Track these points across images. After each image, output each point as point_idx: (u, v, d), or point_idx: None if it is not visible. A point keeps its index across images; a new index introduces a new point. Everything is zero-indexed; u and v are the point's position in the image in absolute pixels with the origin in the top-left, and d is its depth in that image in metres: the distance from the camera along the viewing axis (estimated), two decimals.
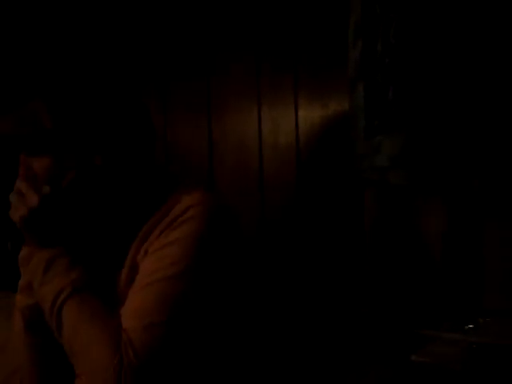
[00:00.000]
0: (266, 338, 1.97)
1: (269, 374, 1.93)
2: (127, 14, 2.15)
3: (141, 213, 1.20)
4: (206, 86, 2.10)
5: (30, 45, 2.12)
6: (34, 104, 1.17)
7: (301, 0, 2.01)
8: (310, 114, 2.03)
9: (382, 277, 1.84)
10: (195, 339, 1.12)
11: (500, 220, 1.74)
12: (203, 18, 2.09)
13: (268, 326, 1.98)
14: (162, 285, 1.10)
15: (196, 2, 2.10)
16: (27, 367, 1.28)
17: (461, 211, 1.77)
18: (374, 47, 1.77)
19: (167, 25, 2.12)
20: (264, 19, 2.04)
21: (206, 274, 1.13)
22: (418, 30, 1.70)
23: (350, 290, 1.95)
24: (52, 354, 1.24)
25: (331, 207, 1.99)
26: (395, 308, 1.81)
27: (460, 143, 1.68)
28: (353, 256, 1.95)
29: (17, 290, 1.57)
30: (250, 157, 2.07)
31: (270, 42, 2.04)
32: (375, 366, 1.72)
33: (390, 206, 1.83)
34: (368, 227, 1.87)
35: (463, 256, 1.78)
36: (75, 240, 1.21)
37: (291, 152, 2.04)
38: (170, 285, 1.10)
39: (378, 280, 1.84)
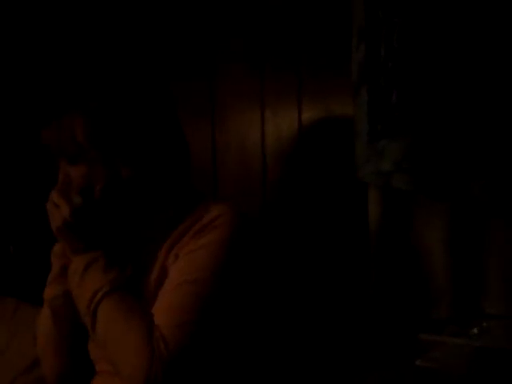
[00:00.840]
0: (270, 341, 1.96)
1: (272, 377, 1.92)
2: (128, 15, 2.15)
3: (170, 220, 1.28)
4: (208, 88, 2.10)
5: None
6: (68, 116, 1.24)
7: (304, 3, 2.01)
8: (313, 118, 2.02)
9: (385, 281, 1.84)
10: (218, 338, 1.20)
11: (503, 224, 1.73)
12: (206, 19, 2.09)
13: (271, 329, 1.98)
14: (192, 286, 1.17)
15: (199, 5, 2.10)
16: (51, 359, 1.36)
17: (464, 216, 1.76)
18: (378, 51, 1.77)
19: (169, 28, 2.12)
20: (267, 22, 2.04)
21: (232, 277, 1.22)
22: (422, 34, 1.70)
23: (353, 294, 1.94)
24: (78, 346, 1.34)
25: (335, 211, 1.99)
26: (399, 312, 1.80)
27: (464, 147, 1.68)
28: (356, 260, 1.94)
29: (19, 295, 1.62)
30: (253, 159, 2.07)
31: (273, 45, 2.04)
32: (379, 370, 1.72)
33: (394, 211, 1.83)
34: (371, 231, 1.87)
35: (466, 260, 1.77)
36: (109, 243, 1.29)
37: (294, 155, 2.03)
38: (199, 287, 1.17)
39: (382, 284, 1.84)
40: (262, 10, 2.04)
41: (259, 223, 1.34)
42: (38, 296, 1.42)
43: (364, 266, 1.89)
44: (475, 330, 1.63)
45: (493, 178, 1.66)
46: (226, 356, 1.26)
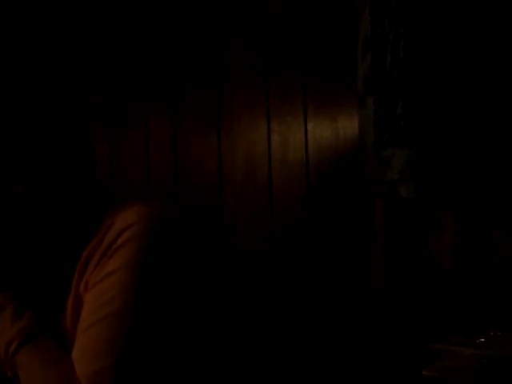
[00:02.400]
0: (274, 353, 1.96)
1: None
2: (135, 21, 2.16)
3: (77, 239, 1.12)
4: (215, 99, 2.10)
5: None
6: None
7: (310, 13, 2.02)
8: (319, 128, 2.03)
9: (391, 290, 1.83)
10: (152, 367, 1.05)
11: (510, 233, 1.73)
12: (213, 32, 2.10)
13: (276, 340, 1.97)
14: (104, 324, 1.03)
15: (207, 16, 2.11)
16: None
17: (471, 224, 1.76)
18: (383, 61, 1.77)
19: (177, 38, 2.14)
20: (273, 33, 2.05)
21: (153, 300, 1.05)
22: (428, 44, 1.70)
23: (359, 302, 1.94)
24: None
25: (341, 221, 1.99)
26: (406, 322, 1.79)
27: (469, 157, 1.68)
28: (362, 269, 1.94)
29: None
30: (259, 169, 2.07)
31: (279, 56, 2.05)
32: (386, 380, 1.71)
33: (400, 220, 1.83)
34: (377, 240, 1.86)
35: (474, 269, 1.77)
36: (16, 283, 1.13)
37: (300, 166, 2.04)
38: (112, 323, 1.03)
39: (388, 293, 1.83)
40: (268, 21, 2.05)
41: (184, 222, 1.09)
42: None
43: (370, 275, 1.89)
44: (482, 340, 1.62)
45: (499, 187, 1.65)
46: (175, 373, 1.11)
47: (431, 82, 1.70)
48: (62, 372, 1.04)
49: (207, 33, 2.11)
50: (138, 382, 1.03)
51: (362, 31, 1.82)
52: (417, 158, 1.72)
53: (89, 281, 1.08)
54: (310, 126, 2.04)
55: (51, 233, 1.13)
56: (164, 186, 2.15)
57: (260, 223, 2.06)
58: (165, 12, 2.15)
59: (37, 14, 2.22)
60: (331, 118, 2.02)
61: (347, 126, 1.99)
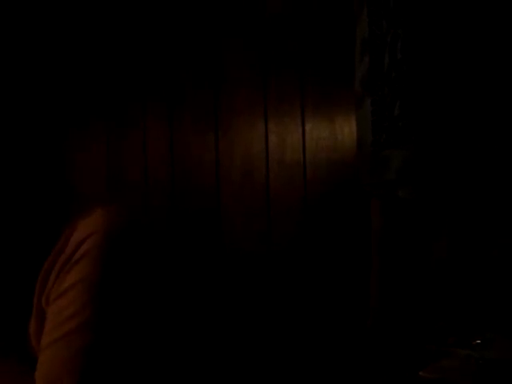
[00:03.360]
0: (272, 353, 1.96)
1: None
2: (134, 21, 2.16)
3: (35, 253, 1.06)
4: (212, 100, 2.10)
5: None
6: None
7: (308, 14, 2.02)
8: (317, 128, 2.03)
9: (388, 291, 1.83)
10: (118, 380, 0.99)
11: (508, 235, 1.73)
12: (211, 30, 2.10)
13: (273, 340, 1.97)
14: (65, 342, 0.97)
15: (205, 16, 2.11)
16: None
17: (468, 226, 1.76)
18: (381, 62, 1.77)
19: (174, 39, 2.13)
20: (272, 34, 2.05)
21: (113, 314, 1.00)
22: (425, 45, 1.70)
23: (356, 304, 1.94)
24: None
25: (338, 221, 1.99)
26: (403, 323, 1.80)
27: (467, 157, 1.68)
28: (359, 270, 1.94)
29: None
30: (257, 170, 2.07)
31: (277, 56, 2.05)
32: (383, 381, 1.71)
33: (397, 220, 1.83)
34: (375, 241, 1.87)
35: (470, 270, 1.77)
36: None
37: (297, 166, 2.04)
38: (73, 340, 0.97)
39: (385, 294, 1.84)
40: (267, 21, 2.05)
41: (144, 228, 1.01)
42: None
43: (367, 276, 1.89)
44: (478, 341, 1.62)
45: (497, 188, 1.66)
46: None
47: (429, 83, 1.70)
48: None
49: (205, 33, 2.11)
50: None
51: (360, 32, 1.83)
52: (414, 158, 1.72)
53: (49, 295, 1.02)
54: (307, 127, 2.04)
55: (8, 244, 1.06)
56: (162, 186, 2.15)
57: (257, 223, 2.06)
58: (163, 12, 2.15)
59: (36, 14, 2.22)
60: (329, 119, 2.02)
61: (345, 126, 1.99)
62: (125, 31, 2.17)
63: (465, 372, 1.55)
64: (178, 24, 2.13)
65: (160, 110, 2.19)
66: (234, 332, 2.03)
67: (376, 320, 1.84)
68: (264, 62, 2.06)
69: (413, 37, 1.71)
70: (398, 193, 1.75)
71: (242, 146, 2.09)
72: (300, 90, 2.04)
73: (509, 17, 1.65)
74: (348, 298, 1.96)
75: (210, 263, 2.07)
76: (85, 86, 2.23)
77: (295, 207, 2.03)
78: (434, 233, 1.81)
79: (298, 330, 2.00)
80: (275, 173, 2.06)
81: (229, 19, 2.09)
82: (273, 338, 1.99)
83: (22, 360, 1.03)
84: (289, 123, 2.05)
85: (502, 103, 1.66)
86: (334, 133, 2.02)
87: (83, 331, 0.97)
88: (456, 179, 1.70)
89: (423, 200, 1.74)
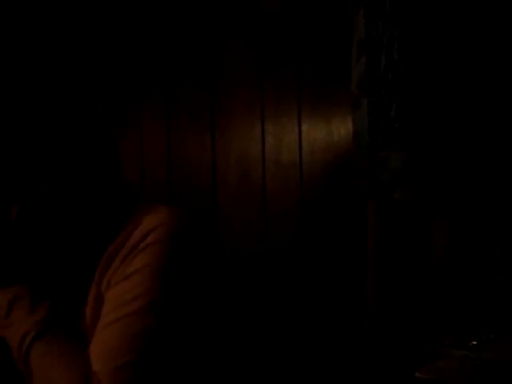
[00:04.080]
0: (269, 352, 1.96)
1: None
2: (131, 21, 2.15)
3: (100, 237, 1.13)
4: (209, 101, 2.10)
5: None
6: None
7: (304, 15, 2.02)
8: (313, 129, 2.03)
9: (384, 292, 1.84)
10: (170, 366, 1.06)
11: (504, 235, 1.74)
12: (207, 33, 2.10)
13: (270, 342, 1.98)
14: (126, 322, 1.03)
15: (202, 16, 2.11)
16: None
17: (465, 226, 1.77)
18: (378, 63, 1.77)
19: (171, 39, 2.13)
20: (268, 34, 2.05)
21: (174, 301, 1.06)
22: (422, 47, 1.71)
23: (352, 304, 1.94)
24: None
25: (334, 222, 1.99)
26: (399, 324, 1.80)
27: (464, 159, 1.68)
28: (355, 271, 1.95)
29: None
30: (253, 170, 2.07)
31: (274, 57, 2.05)
32: (380, 382, 1.71)
33: (394, 222, 1.83)
34: (371, 242, 1.87)
35: (466, 271, 1.77)
36: (36, 274, 1.12)
37: (294, 167, 2.04)
38: (134, 321, 1.03)
39: (381, 295, 1.84)
40: (264, 22, 2.06)
41: (211, 225, 1.11)
42: None
43: (363, 277, 1.89)
44: (475, 342, 1.63)
45: (493, 190, 1.66)
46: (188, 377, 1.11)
47: (425, 85, 1.71)
48: (79, 366, 1.04)
49: (202, 33, 2.11)
50: (155, 381, 1.03)
51: (357, 33, 1.83)
52: (411, 160, 1.73)
53: (111, 279, 1.08)
54: (304, 128, 2.04)
55: (74, 230, 1.13)
56: (159, 186, 2.15)
57: (254, 224, 2.06)
58: (161, 11, 2.15)
59: (35, 15, 2.21)
60: (325, 120, 2.02)
61: (341, 127, 1.99)
62: (122, 31, 2.17)
63: (461, 373, 1.55)
64: (175, 24, 2.13)
65: (157, 110, 2.19)
66: (231, 331, 2.03)
67: (373, 321, 1.85)
68: (261, 63, 2.06)
69: (409, 38, 1.71)
70: (393, 194, 1.75)
71: (239, 146, 2.09)
72: (297, 91, 2.04)
73: (505, 18, 1.65)
74: (344, 298, 1.97)
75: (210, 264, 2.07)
76: (82, 85, 2.23)
77: (292, 208, 2.04)
78: (430, 234, 1.81)
79: (294, 329, 2.00)
80: (272, 173, 2.06)
81: (226, 20, 2.09)
82: (270, 338, 2.00)
83: (75, 339, 1.07)
84: (285, 124, 2.05)
85: (498, 104, 1.66)
86: (330, 134, 2.02)
87: (144, 314, 1.03)
88: (452, 180, 1.71)
89: (419, 201, 1.75)
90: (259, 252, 2.05)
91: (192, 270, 1.09)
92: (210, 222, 1.09)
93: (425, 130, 1.72)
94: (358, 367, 1.88)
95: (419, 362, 1.61)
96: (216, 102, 2.10)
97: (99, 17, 2.18)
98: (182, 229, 1.09)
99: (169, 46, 2.14)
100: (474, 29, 1.66)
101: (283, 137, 2.05)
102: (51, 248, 1.13)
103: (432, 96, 1.71)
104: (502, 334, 1.66)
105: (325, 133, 2.02)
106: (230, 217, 2.09)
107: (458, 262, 1.78)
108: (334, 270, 1.99)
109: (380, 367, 1.79)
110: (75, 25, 2.19)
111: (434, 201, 1.73)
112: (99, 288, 1.10)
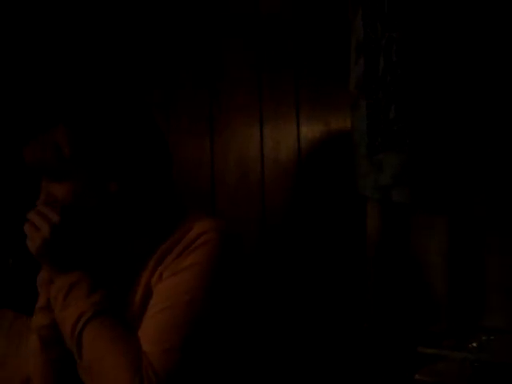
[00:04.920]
0: (268, 355, 1.96)
1: None
2: (130, 21, 2.15)
3: (154, 235, 1.24)
4: (207, 103, 2.10)
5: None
6: (54, 132, 1.20)
7: (303, 16, 2.02)
8: (312, 131, 2.03)
9: (383, 294, 1.84)
10: (209, 357, 1.16)
11: (502, 237, 1.74)
12: (206, 34, 2.10)
13: (269, 342, 1.98)
14: (176, 311, 1.14)
15: (201, 17, 2.10)
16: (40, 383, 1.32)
17: (463, 228, 1.77)
18: (376, 65, 1.77)
19: (170, 40, 2.13)
20: (267, 36, 2.05)
21: (219, 298, 1.18)
22: (420, 49, 1.71)
23: (351, 306, 1.94)
24: (67, 374, 1.27)
25: (333, 224, 1.99)
26: (398, 326, 1.80)
27: (462, 161, 1.68)
28: (354, 272, 1.95)
29: (17, 307, 1.59)
30: (252, 173, 2.07)
31: (272, 59, 2.04)
32: None
33: (392, 224, 1.84)
34: (370, 244, 1.87)
35: (465, 273, 1.78)
36: (92, 262, 1.23)
37: (293, 169, 2.04)
38: (184, 311, 1.14)
39: (380, 297, 1.84)
40: (262, 23, 2.05)
41: (241, 237, 1.29)
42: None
43: (362, 278, 1.90)
44: (474, 344, 1.63)
45: (492, 192, 1.66)
46: (221, 371, 1.23)
47: (424, 87, 1.71)
48: (130, 346, 1.13)
49: (201, 33, 2.10)
50: (199, 369, 1.14)
51: (355, 35, 1.83)
52: (409, 162, 1.73)
53: (163, 273, 1.19)
54: (302, 129, 2.04)
55: (133, 227, 1.25)
56: None
57: (253, 226, 2.06)
58: (160, 12, 2.14)
59: (38, 16, 2.21)
60: (324, 121, 2.02)
61: (340, 129, 1.99)
62: (122, 31, 2.16)
63: (461, 375, 1.55)
64: (175, 24, 2.13)
65: (156, 111, 2.18)
66: (231, 331, 2.03)
67: (373, 323, 1.85)
68: (260, 64, 2.06)
69: (407, 40, 1.71)
70: (392, 196, 1.75)
71: (238, 147, 2.08)
72: (296, 92, 2.04)
73: (505, 19, 1.65)
74: (344, 300, 1.97)
75: None
76: (80, 85, 2.22)
77: (291, 209, 2.04)
78: (430, 235, 1.81)
79: (294, 331, 2.00)
80: (271, 174, 2.06)
81: (225, 20, 2.08)
82: (269, 340, 2.00)
83: (125, 323, 1.18)
84: (284, 125, 2.05)
85: (497, 104, 1.66)
86: (329, 135, 2.02)
87: (193, 305, 1.14)
88: (451, 181, 1.71)
89: (418, 203, 1.75)
90: (258, 253, 2.04)
91: (231, 272, 1.21)
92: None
93: (423, 132, 1.72)
94: (358, 369, 1.88)
95: (419, 364, 1.62)
96: (215, 103, 2.10)
97: (99, 17, 2.17)
98: (226, 235, 1.22)
99: (168, 47, 2.13)
100: (472, 30, 1.66)
101: (282, 138, 2.05)
102: (110, 240, 1.25)
103: (430, 97, 1.71)
104: (500, 335, 1.66)
105: (323, 134, 2.02)
106: (228, 218, 2.08)
107: (457, 263, 1.78)
108: (334, 273, 1.99)
109: (380, 369, 1.79)
110: (74, 26, 2.18)
111: (433, 202, 1.73)
112: (150, 280, 1.21)
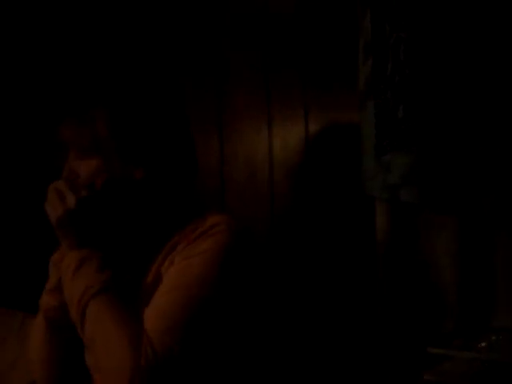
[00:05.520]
0: (276, 355, 1.96)
1: None
2: (135, 23, 2.15)
3: (170, 225, 1.27)
4: (216, 101, 2.10)
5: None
6: (93, 111, 1.24)
7: (311, 17, 2.02)
8: (320, 131, 2.03)
9: (392, 294, 1.83)
10: (211, 342, 1.17)
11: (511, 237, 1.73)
12: (214, 33, 2.10)
13: (277, 340, 1.98)
14: (183, 292, 1.16)
15: (209, 17, 2.10)
16: (46, 368, 1.34)
17: (472, 228, 1.76)
18: (384, 65, 1.77)
19: (178, 41, 2.13)
20: (275, 36, 2.05)
21: (228, 284, 1.19)
22: (428, 48, 1.70)
23: (360, 306, 1.94)
24: (71, 356, 1.31)
25: (342, 224, 1.99)
26: (407, 325, 1.80)
27: (471, 161, 1.68)
28: (363, 273, 1.94)
29: (27, 308, 1.60)
30: (261, 172, 2.07)
31: (280, 58, 2.04)
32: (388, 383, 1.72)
33: (401, 224, 1.83)
34: (379, 244, 1.87)
35: (474, 273, 1.77)
36: (107, 243, 1.26)
37: (301, 168, 2.04)
38: (192, 292, 1.15)
39: (389, 297, 1.84)
40: (270, 23, 2.05)
41: (253, 236, 1.32)
42: None
43: (371, 278, 1.89)
44: (483, 344, 1.62)
45: (501, 191, 1.66)
46: (223, 360, 1.24)
47: (432, 87, 1.70)
48: (132, 325, 1.13)
49: (208, 34, 2.11)
50: (197, 350, 1.14)
51: (363, 35, 1.83)
52: (418, 162, 1.72)
53: (174, 259, 1.22)
54: (310, 130, 2.04)
55: (152, 215, 1.28)
56: None
57: (261, 226, 2.06)
58: (166, 14, 2.14)
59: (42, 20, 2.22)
60: (332, 122, 2.02)
61: (348, 130, 1.99)
62: (127, 34, 2.17)
63: (470, 375, 1.55)
64: (181, 25, 2.13)
65: None
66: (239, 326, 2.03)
67: (381, 322, 1.85)
68: (267, 65, 2.06)
69: (416, 40, 1.71)
70: (401, 196, 1.75)
71: (246, 148, 2.09)
72: (303, 93, 2.04)
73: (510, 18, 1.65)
74: (353, 301, 1.96)
75: None
76: (85, 84, 2.22)
77: (299, 210, 2.04)
78: (439, 235, 1.81)
79: (301, 331, 2.00)
80: (279, 175, 2.06)
81: (232, 21, 2.09)
82: (277, 340, 2.00)
83: (130, 303, 1.19)
84: (292, 126, 2.05)
85: (506, 104, 1.66)
86: (337, 136, 2.02)
87: (201, 288, 1.16)
88: (460, 181, 1.70)
89: (427, 203, 1.74)
90: (266, 253, 2.05)
91: (241, 264, 1.23)
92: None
93: (432, 132, 1.71)
94: (366, 368, 1.88)
95: (428, 364, 1.61)
96: (222, 103, 2.10)
97: (105, 18, 2.18)
98: (237, 228, 1.25)
99: (174, 48, 2.14)
100: (481, 29, 1.66)
101: (290, 139, 2.05)
102: (124, 222, 1.29)
103: (439, 97, 1.70)
104: (510, 335, 1.66)
105: (331, 135, 2.02)
106: (237, 217, 2.08)
107: (466, 262, 1.77)
108: (342, 273, 1.98)
109: (389, 369, 1.79)
110: (81, 26, 2.19)
111: (441, 202, 1.73)
112: (161, 265, 1.24)
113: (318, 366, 1.97)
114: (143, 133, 1.24)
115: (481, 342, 1.63)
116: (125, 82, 1.28)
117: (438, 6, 1.68)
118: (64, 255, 1.25)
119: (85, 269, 1.20)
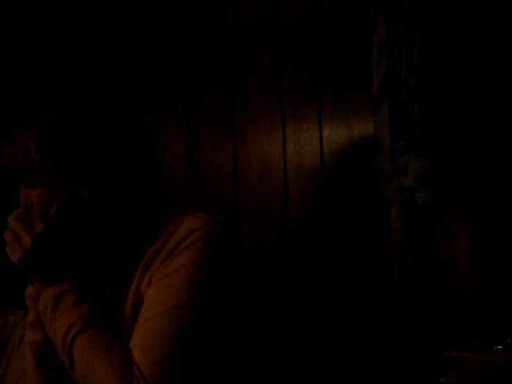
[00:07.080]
0: (289, 359, 1.96)
1: None
2: (153, 29, 2.17)
3: (140, 238, 1.19)
4: (230, 106, 2.11)
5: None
6: (21, 138, 1.16)
7: (324, 20, 2.02)
8: (335, 135, 2.03)
9: (408, 296, 1.83)
10: (202, 358, 1.11)
11: None
12: (229, 40, 2.11)
13: (291, 348, 1.98)
14: (167, 317, 1.09)
15: (224, 23, 2.11)
16: None
17: (489, 230, 1.75)
18: (399, 67, 1.77)
19: (194, 45, 2.15)
20: (288, 41, 2.05)
21: (212, 299, 1.12)
22: (442, 50, 1.70)
23: (376, 309, 1.94)
24: (68, 379, 1.22)
25: (357, 228, 1.99)
26: (423, 328, 1.79)
27: (486, 162, 1.67)
28: (379, 275, 1.94)
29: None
30: (275, 176, 2.07)
31: (294, 63, 2.05)
32: None
33: (417, 226, 1.82)
34: (394, 246, 1.86)
35: (490, 275, 1.76)
36: (79, 270, 1.19)
37: (316, 173, 2.04)
38: (175, 316, 1.09)
39: (405, 299, 1.83)
40: (283, 28, 2.06)
41: (239, 227, 1.22)
42: None
43: (387, 281, 1.89)
44: (500, 347, 1.61)
45: None
46: (217, 368, 1.17)
47: (447, 88, 1.69)
48: (120, 357, 1.08)
49: (224, 39, 2.12)
50: (194, 375, 1.09)
51: (377, 38, 1.82)
52: (433, 164, 1.71)
53: (152, 277, 1.14)
54: (324, 133, 2.04)
55: (115, 232, 1.20)
56: (180, 192, 2.16)
57: (276, 229, 2.06)
58: (183, 21, 2.16)
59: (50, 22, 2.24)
60: (346, 124, 2.02)
61: (362, 132, 1.99)
62: (144, 40, 2.19)
63: (485, 378, 1.54)
64: (198, 34, 2.14)
65: (178, 118, 2.20)
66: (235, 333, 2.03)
67: (397, 325, 1.84)
68: (281, 69, 2.07)
69: (430, 41, 1.70)
70: (416, 199, 1.74)
71: (261, 152, 2.09)
72: (317, 96, 2.04)
73: None
74: (368, 303, 1.96)
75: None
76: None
77: (313, 212, 2.04)
78: (455, 236, 1.80)
79: (316, 330, 2.00)
80: (293, 178, 2.06)
81: (247, 26, 2.09)
82: (290, 340, 2.00)
83: (115, 332, 1.13)
84: (306, 129, 2.05)
85: None
86: (351, 138, 2.02)
87: (184, 309, 1.09)
88: (475, 183, 1.69)
89: (443, 205, 1.73)
90: (280, 255, 2.05)
91: (226, 270, 1.15)
92: (237, 226, 1.18)
93: (447, 134, 1.70)
94: (382, 371, 1.87)
95: (443, 367, 1.60)
96: (236, 110, 2.11)
97: (120, 25, 2.19)
98: (218, 231, 1.15)
99: (190, 52, 2.15)
100: (495, 30, 1.65)
101: (304, 142, 2.06)
102: (93, 247, 1.20)
103: (454, 99, 1.69)
104: None
105: (346, 137, 2.02)
106: (251, 222, 2.09)
107: (482, 264, 1.76)
108: (357, 275, 1.98)
109: (404, 372, 1.78)
110: (95, 34, 2.20)
111: (457, 204, 1.72)
112: (140, 285, 1.16)
113: (334, 368, 1.96)
114: (79, 153, 1.14)
115: (497, 345, 1.62)
116: (54, 103, 1.18)
117: (452, 7, 1.67)
118: (38, 291, 1.19)
119: (62, 306, 1.14)
